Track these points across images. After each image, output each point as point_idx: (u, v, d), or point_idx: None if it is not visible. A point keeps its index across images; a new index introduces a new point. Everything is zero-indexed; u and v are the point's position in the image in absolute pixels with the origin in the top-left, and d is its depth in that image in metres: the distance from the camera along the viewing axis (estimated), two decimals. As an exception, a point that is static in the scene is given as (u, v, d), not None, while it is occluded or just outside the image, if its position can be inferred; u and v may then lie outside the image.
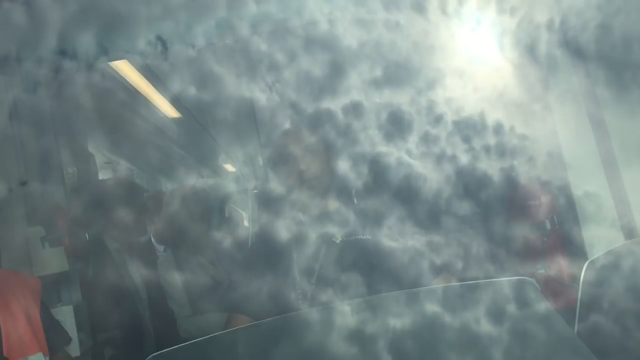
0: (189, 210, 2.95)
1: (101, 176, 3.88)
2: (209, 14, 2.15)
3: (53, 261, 2.47)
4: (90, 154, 3.42)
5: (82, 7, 2.07)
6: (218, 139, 5.06)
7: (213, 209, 3.21)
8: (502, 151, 2.18)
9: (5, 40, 2.12)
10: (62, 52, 2.14)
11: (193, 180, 5.36)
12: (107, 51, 2.20)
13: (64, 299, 2.56)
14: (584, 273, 1.41)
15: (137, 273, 2.80)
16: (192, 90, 2.58)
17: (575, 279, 2.13)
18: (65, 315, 2.40)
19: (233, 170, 5.67)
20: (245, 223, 4.24)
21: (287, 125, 2.20)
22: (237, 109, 2.86)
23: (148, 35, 2.16)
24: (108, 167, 4.76)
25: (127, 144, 4.68)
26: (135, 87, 3.60)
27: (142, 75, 3.44)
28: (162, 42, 2.18)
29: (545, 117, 2.30)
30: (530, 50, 2.12)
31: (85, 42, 2.14)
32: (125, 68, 3.25)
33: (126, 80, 3.46)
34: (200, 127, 4.72)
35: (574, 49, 2.21)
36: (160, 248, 3.25)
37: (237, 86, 2.29)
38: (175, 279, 2.87)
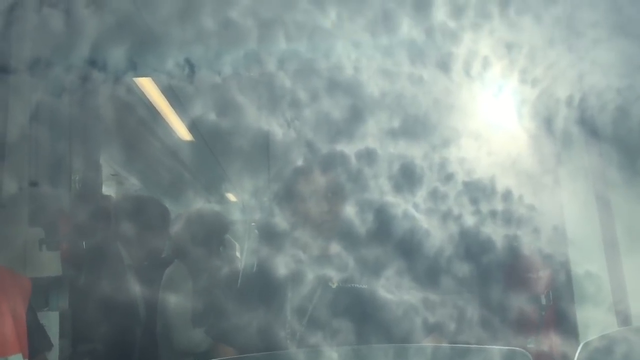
0: (207, 231, 3.14)
1: (105, 187, 3.88)
2: (239, 45, 2.20)
3: (47, 265, 2.45)
4: (99, 164, 3.44)
5: (118, 21, 2.13)
6: (228, 168, 5.09)
7: (223, 233, 3.34)
8: (507, 218, 2.19)
9: (39, 44, 2.17)
10: (92, 62, 2.18)
11: (199, 205, 5.38)
12: (135, 66, 2.24)
13: (51, 304, 2.53)
14: (578, 354, 1.39)
15: (141, 288, 2.79)
16: (210, 116, 2.61)
17: (565, 357, 2.10)
18: (51, 321, 2.37)
19: (235, 200, 5.68)
20: (237, 254, 4.23)
21: (299, 162, 2.22)
22: (252, 140, 2.89)
23: (177, 57, 2.21)
24: (113, 179, 4.77)
25: (136, 159, 4.71)
26: (155, 105, 3.65)
27: (163, 95, 3.49)
28: (190, 65, 2.22)
29: (554, 191, 2.31)
30: (547, 123, 2.15)
31: (116, 55, 2.19)
32: (148, 85, 3.31)
33: (147, 98, 3.50)
34: (211, 154, 4.75)
35: (590, 128, 2.23)
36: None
37: (255, 118, 2.32)
38: (183, 287, 2.94)
